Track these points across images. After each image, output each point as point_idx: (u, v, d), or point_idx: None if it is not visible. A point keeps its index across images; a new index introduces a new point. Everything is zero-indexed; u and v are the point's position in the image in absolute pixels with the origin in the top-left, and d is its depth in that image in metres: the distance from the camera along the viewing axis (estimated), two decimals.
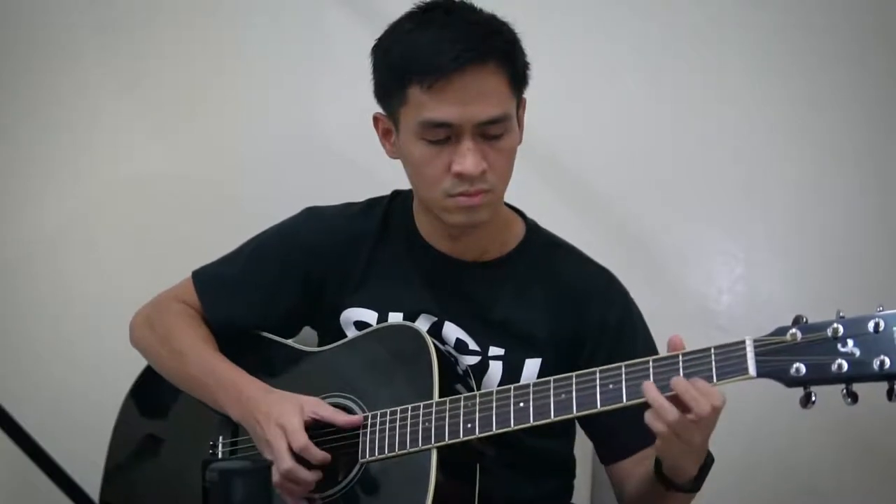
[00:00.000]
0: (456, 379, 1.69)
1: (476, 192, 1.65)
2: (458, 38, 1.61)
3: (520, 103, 1.71)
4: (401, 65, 1.64)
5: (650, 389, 1.46)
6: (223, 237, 1.95)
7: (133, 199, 2.52)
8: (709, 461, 1.56)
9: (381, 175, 1.87)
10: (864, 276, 2.26)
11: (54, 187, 2.55)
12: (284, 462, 1.62)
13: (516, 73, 1.67)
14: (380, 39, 1.71)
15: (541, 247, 1.82)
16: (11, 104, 2.55)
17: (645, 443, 1.61)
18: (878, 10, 2.30)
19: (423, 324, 1.76)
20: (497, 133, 1.65)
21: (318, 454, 1.64)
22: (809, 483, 2.27)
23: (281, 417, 1.65)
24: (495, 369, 1.75)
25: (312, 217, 1.88)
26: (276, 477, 1.60)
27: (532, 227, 1.84)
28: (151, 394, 1.91)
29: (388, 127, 1.73)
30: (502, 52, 1.64)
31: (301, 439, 1.63)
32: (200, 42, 2.51)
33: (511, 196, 1.79)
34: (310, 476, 1.64)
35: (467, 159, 1.62)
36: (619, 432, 1.71)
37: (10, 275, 2.54)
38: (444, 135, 1.63)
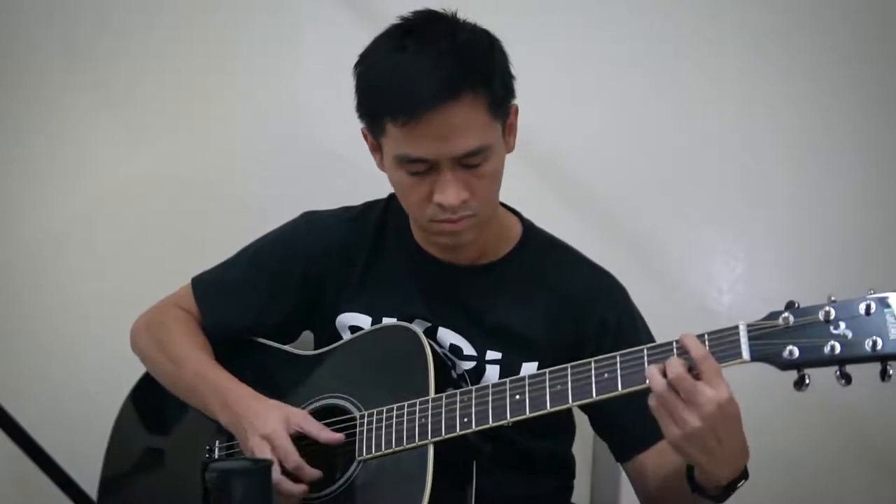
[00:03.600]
0: (451, 382, 1.69)
1: (459, 218, 1.66)
2: (429, 73, 1.58)
3: (507, 118, 1.68)
4: (375, 100, 1.64)
5: (653, 373, 1.44)
6: (223, 237, 1.96)
7: (133, 200, 2.52)
8: (742, 476, 1.52)
9: (380, 176, 1.86)
10: (864, 276, 2.25)
11: (54, 188, 2.55)
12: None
13: (495, 98, 1.64)
14: (360, 58, 1.69)
15: (538, 248, 1.82)
16: (11, 105, 2.55)
17: (661, 434, 1.58)
18: (878, 10, 2.30)
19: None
20: (477, 162, 1.63)
21: (310, 473, 1.64)
22: (808, 481, 2.27)
23: (266, 428, 1.65)
24: (492, 373, 1.74)
25: (309, 221, 1.88)
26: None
27: (529, 228, 1.84)
28: (151, 397, 1.92)
29: (374, 142, 1.72)
30: (476, 81, 1.61)
31: (294, 459, 1.63)
32: (200, 42, 2.51)
33: (511, 196, 1.79)
34: (296, 489, 1.63)
35: (447, 191, 1.62)
36: (632, 425, 1.69)
37: (10, 275, 2.54)
38: (423, 167, 1.63)
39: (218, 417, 1.74)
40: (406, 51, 1.62)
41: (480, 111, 1.62)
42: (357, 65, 1.69)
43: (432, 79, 1.58)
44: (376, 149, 1.72)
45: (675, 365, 1.43)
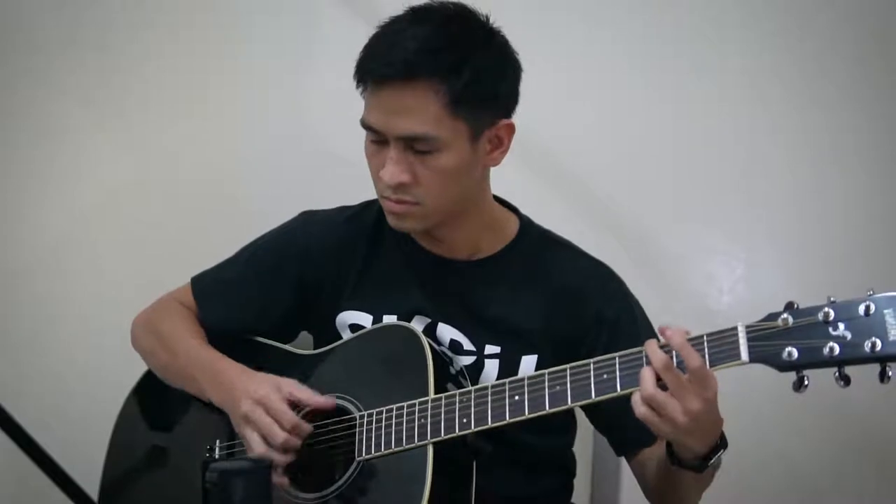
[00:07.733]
0: (450, 379, 1.69)
1: (398, 201, 1.67)
2: (401, 47, 1.61)
3: (485, 127, 1.66)
4: (359, 59, 1.68)
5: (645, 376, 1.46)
6: (223, 238, 1.96)
7: (133, 200, 2.53)
8: (721, 443, 1.53)
9: None
10: (865, 276, 2.25)
11: (54, 189, 2.56)
12: (259, 447, 1.64)
13: (458, 95, 1.61)
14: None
15: (535, 243, 1.82)
16: (10, 106, 2.56)
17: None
18: (879, 11, 2.30)
19: (416, 326, 1.75)
20: (424, 150, 1.64)
21: (306, 428, 1.65)
22: (807, 481, 2.27)
23: (258, 393, 1.66)
24: (491, 368, 1.75)
25: (308, 221, 1.89)
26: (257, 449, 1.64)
27: (526, 224, 1.83)
28: (151, 397, 1.92)
29: None
30: (437, 71, 1.61)
31: (289, 419, 1.64)
32: (200, 42, 2.52)
33: (511, 195, 1.79)
34: (284, 459, 1.65)
35: (387, 168, 1.65)
36: (631, 424, 1.66)
37: (11, 276, 2.55)
38: (378, 137, 1.66)
39: (210, 397, 1.75)
40: (401, 19, 1.67)
41: (435, 102, 1.61)
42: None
43: (399, 53, 1.61)
44: None
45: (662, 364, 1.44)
